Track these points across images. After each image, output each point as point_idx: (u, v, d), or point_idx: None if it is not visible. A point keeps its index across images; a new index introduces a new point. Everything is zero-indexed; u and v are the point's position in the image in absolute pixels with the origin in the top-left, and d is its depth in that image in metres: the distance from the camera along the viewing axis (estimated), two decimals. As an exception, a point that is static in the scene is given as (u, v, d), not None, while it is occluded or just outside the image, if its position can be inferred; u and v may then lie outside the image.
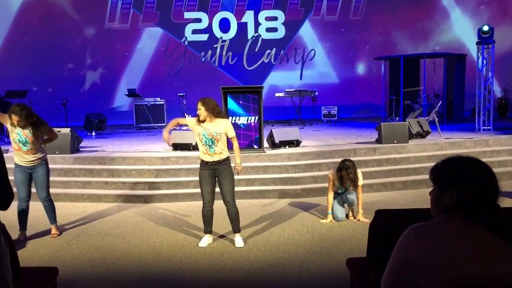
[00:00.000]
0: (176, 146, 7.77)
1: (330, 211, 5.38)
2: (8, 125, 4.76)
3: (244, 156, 7.09)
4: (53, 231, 5.00)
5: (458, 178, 1.60)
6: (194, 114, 13.20)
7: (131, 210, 6.10)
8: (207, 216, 4.65)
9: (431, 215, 1.72)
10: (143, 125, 12.18)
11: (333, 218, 5.40)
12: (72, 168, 7.24)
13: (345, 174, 5.30)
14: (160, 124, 12.13)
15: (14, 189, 4.48)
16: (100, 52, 13.96)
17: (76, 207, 6.21)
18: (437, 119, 9.42)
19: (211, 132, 4.46)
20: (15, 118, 4.65)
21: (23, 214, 4.86)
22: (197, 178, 4.48)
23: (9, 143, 8.15)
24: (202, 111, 4.45)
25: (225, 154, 4.54)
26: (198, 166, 4.68)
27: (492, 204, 1.60)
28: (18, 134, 4.69)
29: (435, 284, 1.52)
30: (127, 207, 6.25)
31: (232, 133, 4.59)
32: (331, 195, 5.40)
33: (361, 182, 5.42)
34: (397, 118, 11.43)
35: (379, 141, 8.09)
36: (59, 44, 13.51)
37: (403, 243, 1.61)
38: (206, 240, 4.66)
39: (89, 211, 6.03)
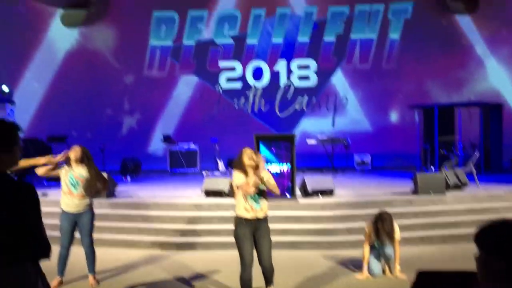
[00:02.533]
0: (209, 193, 7.82)
1: (366, 265, 5.24)
2: (61, 172, 4.90)
3: (276, 205, 7.04)
4: (91, 280, 5.01)
5: (506, 245, 1.55)
6: (226, 158, 13.23)
7: (164, 257, 6.10)
8: (247, 283, 4.20)
9: (478, 280, 1.66)
10: (177, 170, 12.36)
11: (369, 273, 5.24)
12: (107, 213, 7.36)
13: (381, 226, 5.18)
14: (193, 170, 12.28)
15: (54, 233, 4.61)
16: (138, 99, 14.44)
17: (110, 253, 6.26)
18: (474, 170, 9.18)
19: (258, 187, 4.17)
20: (74, 149, 4.83)
21: (62, 260, 4.92)
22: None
23: (48, 186, 8.40)
24: (251, 163, 4.16)
25: (267, 212, 4.30)
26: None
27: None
28: (70, 177, 4.83)
29: None
30: (160, 254, 6.26)
31: (272, 181, 4.34)
32: (367, 248, 5.26)
33: (398, 235, 5.28)
34: (432, 168, 11.20)
35: (415, 192, 7.91)
36: (99, 90, 14.06)
37: None
38: None
39: (122, 258, 6.07)
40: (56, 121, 13.36)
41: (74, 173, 4.84)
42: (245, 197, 4.16)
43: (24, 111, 12.91)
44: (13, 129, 2.20)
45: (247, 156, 4.19)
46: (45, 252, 2.15)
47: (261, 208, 4.20)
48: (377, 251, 5.30)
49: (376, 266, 5.25)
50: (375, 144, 13.83)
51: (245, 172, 4.19)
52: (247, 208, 4.16)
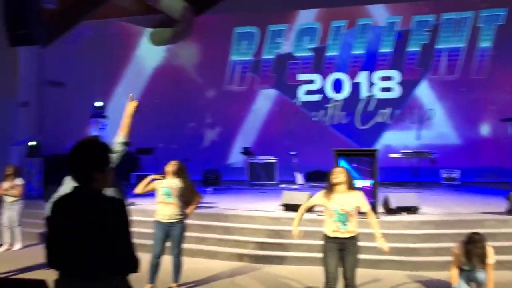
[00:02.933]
0: (287, 207, 7.79)
1: None
2: (156, 184, 5.19)
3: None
4: None
5: None
6: (304, 171, 13.16)
7: (242, 270, 6.16)
8: None
9: None
10: (256, 182, 12.51)
11: None
12: (190, 223, 7.56)
13: (472, 249, 4.80)
14: (271, 182, 12.35)
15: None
16: (219, 112, 14.87)
17: (192, 263, 6.43)
18: None
19: (345, 208, 4.10)
20: (171, 163, 5.10)
21: (154, 269, 5.13)
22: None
23: (136, 195, 8.85)
24: (342, 176, 4.12)
25: (357, 231, 4.21)
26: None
27: None
28: (164, 187, 5.09)
29: None
30: (239, 266, 6.33)
31: (367, 206, 4.25)
32: (455, 271, 4.90)
33: (491, 259, 4.87)
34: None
35: (509, 212, 7.30)
36: (183, 105, 14.69)
37: None
38: None
39: (202, 269, 6.22)
40: (144, 134, 14.10)
41: (168, 183, 5.10)
42: (331, 218, 4.10)
43: (115, 125, 13.74)
44: (107, 150, 2.33)
45: (335, 171, 4.16)
46: (134, 268, 2.25)
47: (348, 229, 4.11)
48: (467, 275, 4.92)
49: None
50: (464, 158, 13.02)
51: (331, 192, 4.14)
52: (333, 228, 4.14)
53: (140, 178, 9.48)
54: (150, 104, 14.78)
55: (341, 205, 4.08)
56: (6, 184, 7.33)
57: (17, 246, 7.41)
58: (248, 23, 14.67)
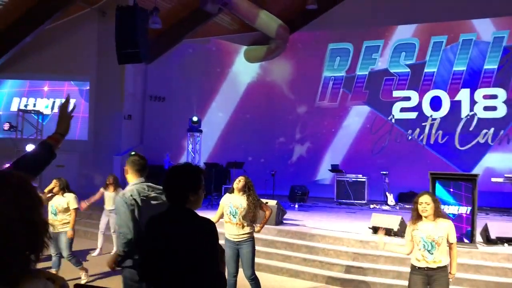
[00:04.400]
0: (376, 230, 7.53)
1: None
2: (224, 201, 5.28)
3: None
4: None
5: None
6: (396, 192, 12.73)
7: (326, 292, 6.06)
8: None
9: None
10: (343, 200, 12.26)
11: None
12: (275, 240, 7.64)
13: None
14: (360, 201, 12.04)
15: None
16: (309, 128, 14.86)
17: (276, 281, 6.46)
18: None
19: (431, 235, 3.88)
20: (238, 179, 5.19)
21: None
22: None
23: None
24: (430, 207, 3.89)
25: (446, 261, 3.92)
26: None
27: None
28: (230, 207, 5.13)
29: None
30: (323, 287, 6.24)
31: (454, 238, 3.96)
32: None
33: None
34: None
35: None
36: (275, 120, 14.91)
37: None
38: None
39: (287, 286, 6.21)
40: (235, 148, 14.56)
41: (234, 202, 5.12)
42: (417, 246, 3.93)
43: (209, 139, 14.41)
44: (199, 172, 2.48)
45: (423, 201, 3.92)
46: (221, 285, 2.34)
47: (434, 259, 3.87)
48: None
49: None
50: None
51: (416, 221, 3.97)
52: (419, 257, 3.94)
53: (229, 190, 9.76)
54: (242, 119, 15.22)
55: (427, 233, 3.89)
56: (106, 193, 7.90)
57: (114, 250, 7.92)
58: (342, 39, 14.57)
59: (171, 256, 2.30)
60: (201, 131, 11.96)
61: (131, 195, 3.40)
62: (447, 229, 3.91)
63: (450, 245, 3.98)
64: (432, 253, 3.86)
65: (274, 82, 15.21)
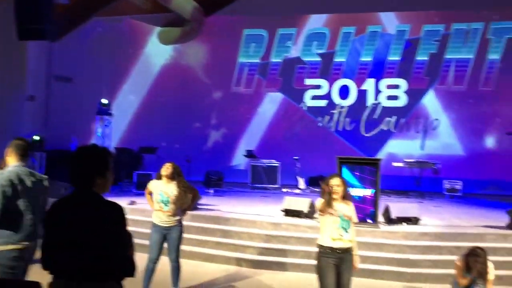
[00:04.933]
0: (288, 212, 7.79)
1: None
2: (152, 187, 5.14)
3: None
4: None
5: None
6: (306, 176, 13.21)
7: (240, 274, 6.16)
8: None
9: None
10: (257, 185, 12.50)
11: None
12: (189, 226, 7.55)
13: (472, 262, 4.77)
14: (273, 185, 12.35)
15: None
16: (224, 114, 14.88)
17: (189, 265, 6.43)
18: None
19: (347, 214, 4.02)
20: (166, 166, 5.06)
21: (149, 274, 5.04)
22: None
23: (137, 194, 8.89)
24: (341, 190, 4.03)
25: (353, 241, 4.09)
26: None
27: None
28: (161, 195, 5.03)
29: None
30: (236, 270, 6.33)
31: (356, 218, 4.16)
32: (463, 280, 4.87)
33: (492, 275, 4.84)
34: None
35: (510, 226, 7.26)
36: (190, 104, 14.70)
37: None
38: None
39: (200, 272, 6.22)
40: (148, 132, 14.16)
41: (164, 190, 5.02)
42: (333, 226, 3.94)
43: (120, 123, 13.86)
44: (107, 154, 2.37)
45: (334, 184, 4.02)
46: (131, 272, 2.27)
47: (350, 238, 4.00)
48: None
49: None
50: (468, 170, 12.96)
51: (330, 202, 4.02)
52: (335, 236, 3.95)
53: (142, 177, 9.52)
54: (155, 103, 14.82)
55: (343, 212, 3.99)
56: None
57: None
58: (257, 25, 14.67)
59: (76, 241, 2.19)
60: (111, 115, 11.45)
61: (8, 177, 3.37)
62: (352, 209, 4.10)
63: (352, 227, 4.10)
64: (348, 232, 3.96)
65: (188, 65, 14.97)
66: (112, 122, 11.71)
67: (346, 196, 4.10)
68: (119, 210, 2.29)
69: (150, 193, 5.20)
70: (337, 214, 3.94)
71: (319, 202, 4.18)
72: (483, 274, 4.73)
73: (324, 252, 3.97)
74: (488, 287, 4.78)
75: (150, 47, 15.00)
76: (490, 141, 13.53)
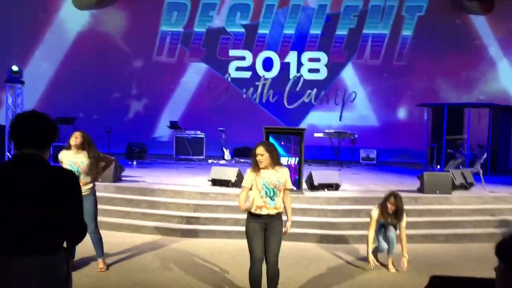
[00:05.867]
0: (215, 182, 7.83)
1: (370, 250, 5.22)
2: (62, 156, 4.88)
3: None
4: (100, 265, 4.98)
5: None
6: (232, 147, 13.28)
7: (168, 244, 6.13)
8: (256, 277, 3.96)
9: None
10: (182, 156, 12.39)
11: (378, 251, 5.31)
12: (113, 197, 7.39)
13: (392, 202, 5.18)
14: (198, 157, 12.31)
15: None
16: (146, 84, 14.43)
17: (115, 237, 6.30)
18: (481, 171, 9.15)
19: (273, 182, 3.92)
20: (74, 135, 4.81)
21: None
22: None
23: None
24: (265, 157, 3.91)
25: (282, 208, 4.04)
26: (237, 203, 4.28)
27: None
28: (71, 165, 4.78)
29: None
30: (164, 240, 6.30)
31: (290, 184, 4.11)
32: (371, 234, 5.27)
33: (404, 222, 5.29)
34: (438, 167, 11.18)
35: (421, 190, 7.90)
36: (108, 73, 14.05)
37: None
38: None
39: (127, 242, 6.11)
40: (64, 102, 13.38)
41: (74, 160, 4.81)
42: (259, 193, 3.92)
43: (33, 92, 12.91)
44: (51, 123, 2.27)
45: (258, 153, 3.95)
46: (81, 237, 2.19)
47: (275, 205, 3.96)
48: (383, 233, 5.32)
49: (385, 245, 5.29)
50: (382, 139, 13.81)
51: (257, 170, 3.99)
52: (260, 204, 3.93)
53: (58, 149, 9.01)
54: (71, 71, 13.99)
55: (269, 179, 3.93)
56: None
57: None
58: (179, -7, 14.26)
59: (23, 206, 2.07)
60: (23, 83, 10.60)
61: None
62: (284, 176, 4.03)
63: (285, 191, 4.09)
64: (274, 200, 3.94)
65: (107, 33, 14.22)
66: (24, 90, 10.87)
67: (276, 163, 4.01)
68: (71, 175, 2.24)
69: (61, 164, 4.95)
70: (261, 182, 3.94)
71: (247, 173, 4.12)
72: (398, 215, 5.15)
73: (251, 218, 4.01)
74: (401, 232, 5.22)
75: (64, 12, 14.02)
76: (402, 113, 14.49)
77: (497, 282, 1.62)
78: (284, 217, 4.13)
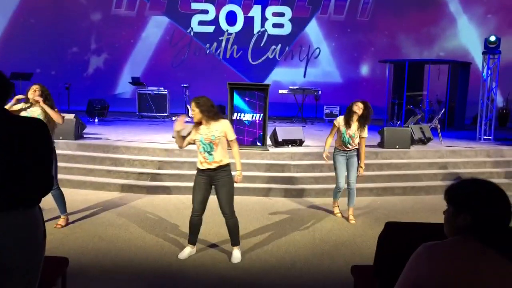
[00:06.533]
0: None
1: (326, 149, 5.61)
2: (19, 111, 4.72)
3: (247, 153, 7.15)
4: (60, 221, 4.96)
5: (473, 202, 1.65)
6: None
7: (133, 200, 6.14)
8: (194, 225, 4.22)
9: (444, 232, 1.77)
10: (146, 114, 12.19)
11: (335, 194, 5.59)
12: (76, 155, 7.27)
13: (358, 105, 5.33)
14: (162, 114, 12.14)
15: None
16: (105, 38, 13.92)
17: (79, 194, 6.25)
18: (439, 126, 9.49)
19: (208, 137, 3.99)
20: (32, 88, 4.65)
21: None
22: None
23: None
24: (196, 113, 3.97)
25: (226, 160, 4.09)
26: (196, 159, 4.36)
27: (506, 228, 1.66)
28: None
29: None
30: (129, 197, 6.30)
31: (232, 135, 4.11)
32: (330, 138, 5.59)
33: (366, 133, 5.43)
34: (399, 122, 11.50)
35: (381, 145, 8.15)
36: (64, 27, 13.45)
37: (415, 261, 1.65)
38: (188, 252, 4.26)
39: (92, 199, 6.07)
40: (19, 57, 12.79)
41: (31, 113, 4.65)
42: (198, 149, 4.08)
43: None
44: (8, 82, 2.16)
45: (192, 108, 4.05)
46: (49, 188, 2.10)
47: (214, 159, 4.03)
48: (344, 161, 5.49)
49: (344, 178, 5.50)
50: (345, 96, 13.98)
51: (196, 126, 4.09)
52: (201, 160, 4.08)
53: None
54: (25, 24, 13.31)
55: (204, 135, 4.00)
56: None
57: None
58: None
59: None
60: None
61: None
62: (222, 128, 4.03)
63: (230, 142, 4.13)
64: (212, 154, 4.02)
65: (62, -17, 13.51)
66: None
67: (211, 118, 4.02)
68: (41, 123, 2.08)
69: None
70: (198, 139, 4.03)
71: (191, 129, 4.21)
72: (362, 122, 5.30)
73: (197, 172, 4.19)
74: (361, 142, 5.38)
75: (14, -41, 13.17)
76: (364, 69, 14.66)
77: (445, 225, 1.74)
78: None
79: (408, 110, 11.44)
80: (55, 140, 5.11)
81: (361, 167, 5.47)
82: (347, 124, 5.38)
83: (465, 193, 1.69)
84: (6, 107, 4.46)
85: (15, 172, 1.99)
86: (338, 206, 5.76)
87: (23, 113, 4.63)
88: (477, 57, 12.78)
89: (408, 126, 8.93)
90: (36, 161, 2.03)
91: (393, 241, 2.55)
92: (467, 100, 12.31)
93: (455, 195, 1.72)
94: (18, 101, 4.74)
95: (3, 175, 1.98)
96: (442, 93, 12.12)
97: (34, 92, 4.67)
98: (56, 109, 4.82)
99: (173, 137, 7.79)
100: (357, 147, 5.47)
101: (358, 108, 5.32)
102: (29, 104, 4.70)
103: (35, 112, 4.66)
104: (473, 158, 8.16)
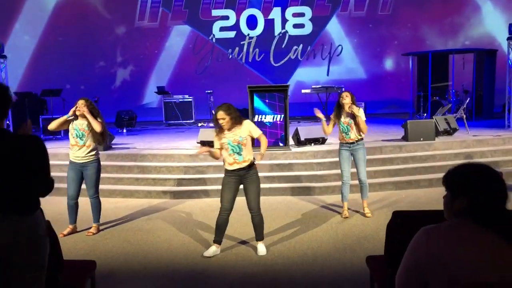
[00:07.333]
0: (204, 144, 7.96)
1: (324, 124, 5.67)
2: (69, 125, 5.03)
3: (269, 154, 7.24)
4: (92, 229, 5.20)
5: (468, 185, 1.71)
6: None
7: (160, 206, 6.33)
8: (221, 224, 4.40)
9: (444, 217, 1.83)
10: (172, 121, 12.47)
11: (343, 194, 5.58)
12: (105, 165, 7.48)
13: (342, 96, 5.43)
14: (188, 121, 12.38)
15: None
16: (130, 50, 14.32)
17: (109, 203, 6.48)
18: (465, 116, 9.33)
19: (236, 139, 4.26)
20: (79, 103, 4.93)
21: (71, 210, 5.12)
22: (224, 175, 4.48)
23: (45, 139, 8.52)
24: (226, 121, 4.21)
25: (251, 157, 4.36)
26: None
27: (501, 209, 1.70)
28: (76, 130, 4.97)
29: (444, 285, 1.63)
30: (157, 202, 6.50)
31: (257, 132, 4.38)
32: (325, 126, 5.67)
33: (360, 113, 5.34)
34: (425, 115, 11.34)
35: (405, 138, 8.09)
36: (91, 42, 13.92)
37: (415, 243, 1.72)
38: (213, 251, 4.41)
39: (121, 207, 6.30)
40: (49, 74, 13.32)
41: (79, 125, 4.97)
42: (227, 152, 4.28)
43: (16, 65, 12.85)
44: (7, 96, 2.33)
45: (219, 118, 4.23)
46: (49, 190, 2.31)
47: (244, 159, 4.29)
48: (348, 153, 5.48)
49: (348, 169, 5.51)
50: (370, 91, 13.91)
51: (220, 133, 4.31)
52: (230, 161, 4.30)
53: (48, 122, 9.10)
54: (54, 42, 13.84)
55: (232, 138, 4.25)
56: None
57: None
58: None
59: None
60: (5, 57, 10.51)
61: None
62: (246, 128, 4.31)
63: (258, 138, 4.41)
64: (241, 154, 4.28)
65: (86, 0, 13.98)
66: (7, 65, 10.79)
67: (237, 122, 4.28)
68: (36, 140, 2.29)
69: (65, 128, 5.13)
70: (226, 142, 4.26)
71: (214, 137, 4.43)
72: (352, 108, 5.33)
73: (226, 173, 4.41)
74: (360, 121, 5.35)
75: (40, -19, 13.74)
76: (388, 64, 14.52)
77: (444, 209, 1.80)
78: (260, 170, 4.48)
79: (434, 101, 11.28)
80: (100, 152, 5.42)
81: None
82: (340, 115, 5.48)
83: (460, 177, 1.75)
84: (62, 118, 4.84)
85: (20, 182, 2.20)
86: (347, 209, 5.63)
87: (72, 125, 4.96)
88: (504, 44, 12.45)
89: (432, 118, 8.82)
90: (34, 171, 2.24)
91: (401, 229, 2.60)
92: (495, 88, 12.02)
93: (451, 180, 1.78)
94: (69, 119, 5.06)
95: (10, 185, 2.19)
96: (469, 83, 11.88)
97: (77, 108, 4.97)
98: (99, 119, 5.07)
99: (198, 142, 8.00)
100: (360, 137, 5.46)
101: (343, 97, 5.44)
102: (75, 117, 5.03)
103: (83, 124, 4.97)
104: (501, 146, 7.98)
